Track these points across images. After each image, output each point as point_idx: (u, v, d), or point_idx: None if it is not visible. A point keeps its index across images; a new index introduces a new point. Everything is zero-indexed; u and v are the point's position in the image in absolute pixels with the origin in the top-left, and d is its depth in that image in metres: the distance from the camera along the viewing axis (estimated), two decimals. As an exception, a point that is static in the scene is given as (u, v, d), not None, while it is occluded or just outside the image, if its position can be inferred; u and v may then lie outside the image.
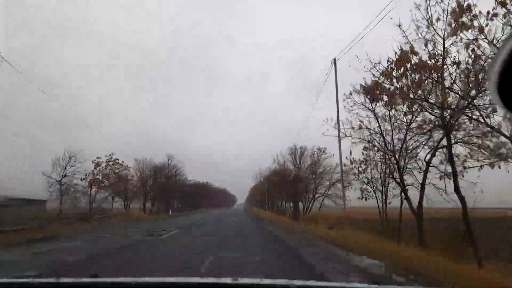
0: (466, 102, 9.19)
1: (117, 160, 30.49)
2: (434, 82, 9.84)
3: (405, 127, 12.21)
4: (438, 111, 10.24)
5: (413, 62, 9.99)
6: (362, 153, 14.94)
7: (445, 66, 9.60)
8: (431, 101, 10.10)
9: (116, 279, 1.99)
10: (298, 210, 39.09)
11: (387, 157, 13.61)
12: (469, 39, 8.32)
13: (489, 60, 7.78)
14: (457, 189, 10.01)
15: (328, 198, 35.40)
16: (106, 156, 30.43)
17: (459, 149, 10.57)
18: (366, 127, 13.87)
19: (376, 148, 14.13)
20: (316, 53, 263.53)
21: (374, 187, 15.30)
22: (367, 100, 13.36)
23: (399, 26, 9.97)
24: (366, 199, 15.92)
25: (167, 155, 52.32)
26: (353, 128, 14.17)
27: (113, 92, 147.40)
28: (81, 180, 30.00)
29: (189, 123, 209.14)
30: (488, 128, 8.89)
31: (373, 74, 11.51)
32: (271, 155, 70.01)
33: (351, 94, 13.79)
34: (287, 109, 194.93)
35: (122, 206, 45.42)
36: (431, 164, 11.55)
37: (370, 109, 13.50)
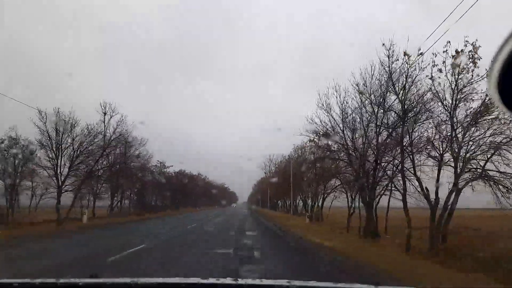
0: None
1: None
2: None
3: None
4: None
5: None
6: None
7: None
8: None
9: (116, 280, 1.92)
10: (375, 222, 17.43)
11: None
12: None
13: None
14: None
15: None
16: None
17: None
18: None
19: None
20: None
21: None
22: None
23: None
24: None
25: (101, 104, 27.07)
26: None
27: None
28: None
29: (189, 117, 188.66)
30: None
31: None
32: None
33: None
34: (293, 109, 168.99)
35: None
36: None
37: None
